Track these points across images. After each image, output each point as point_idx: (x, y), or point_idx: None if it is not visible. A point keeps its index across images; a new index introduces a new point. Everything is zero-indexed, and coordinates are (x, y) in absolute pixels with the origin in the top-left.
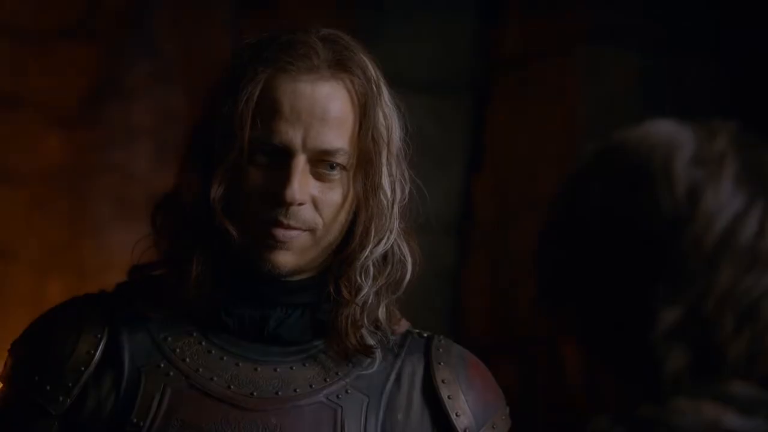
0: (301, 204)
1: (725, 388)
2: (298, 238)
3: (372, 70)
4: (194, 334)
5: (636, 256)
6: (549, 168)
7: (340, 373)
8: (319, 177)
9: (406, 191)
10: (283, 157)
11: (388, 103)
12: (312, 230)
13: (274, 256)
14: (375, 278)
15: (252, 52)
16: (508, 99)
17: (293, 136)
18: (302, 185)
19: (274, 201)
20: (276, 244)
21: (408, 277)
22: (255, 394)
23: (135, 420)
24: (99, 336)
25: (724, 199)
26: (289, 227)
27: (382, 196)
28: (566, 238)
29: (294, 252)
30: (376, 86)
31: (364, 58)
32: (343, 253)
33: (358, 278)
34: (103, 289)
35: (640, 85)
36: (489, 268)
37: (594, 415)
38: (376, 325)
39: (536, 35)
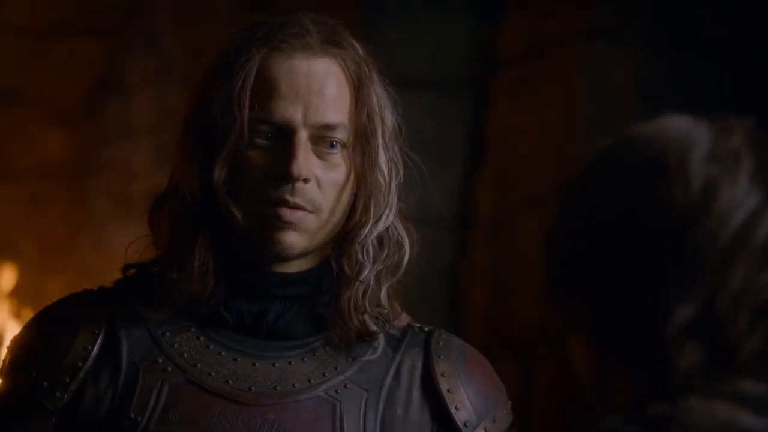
0: (306, 180)
1: (738, 387)
2: (304, 219)
3: (361, 51)
4: (192, 330)
5: (649, 252)
6: (549, 166)
7: (338, 368)
8: (320, 156)
9: (401, 172)
10: (284, 135)
11: (380, 85)
12: (317, 212)
13: (282, 237)
14: (374, 260)
15: (244, 36)
16: (508, 96)
17: (293, 112)
18: (306, 160)
19: (279, 180)
20: (283, 225)
21: (406, 259)
22: (253, 389)
23: (133, 415)
24: (96, 332)
25: (739, 197)
26: (295, 206)
27: (379, 175)
28: (578, 231)
29: (301, 233)
30: (367, 66)
31: (353, 41)
32: (343, 230)
33: (360, 256)
34: (102, 285)
35: (640, 82)
36: (489, 266)
37: (604, 413)
38: (378, 316)
39: (536, 32)
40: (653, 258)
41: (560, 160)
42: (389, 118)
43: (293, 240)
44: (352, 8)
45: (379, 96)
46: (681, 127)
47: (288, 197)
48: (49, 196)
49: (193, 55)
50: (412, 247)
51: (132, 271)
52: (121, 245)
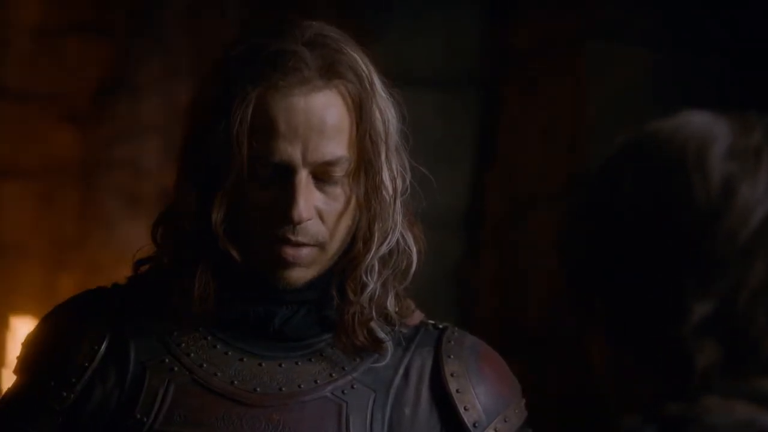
0: (308, 220)
1: (757, 387)
2: (308, 255)
3: (363, 67)
4: (200, 329)
5: (668, 249)
6: (558, 164)
7: (346, 368)
8: (322, 188)
9: (407, 181)
10: (285, 173)
11: (383, 96)
12: (320, 245)
13: (286, 274)
14: (380, 272)
15: (238, 67)
16: (517, 95)
17: (293, 152)
18: (307, 201)
19: (280, 219)
20: (287, 265)
21: (414, 266)
22: (258, 389)
23: (138, 416)
24: (104, 331)
25: (760, 194)
26: (297, 244)
27: (384, 193)
28: (595, 228)
29: (305, 267)
30: (369, 83)
31: (354, 55)
32: (347, 255)
33: (364, 277)
34: (115, 283)
35: (649, 81)
36: (499, 266)
37: (619, 412)
38: (387, 317)
39: (546, 31)
40: (672, 255)
41: (570, 159)
42: (393, 129)
43: (299, 275)
44: (361, 5)
45: (382, 110)
46: (700, 123)
47: (290, 236)
48: (59, 194)
49: (202, 53)
50: (419, 254)
51: (144, 267)
52: (130, 242)
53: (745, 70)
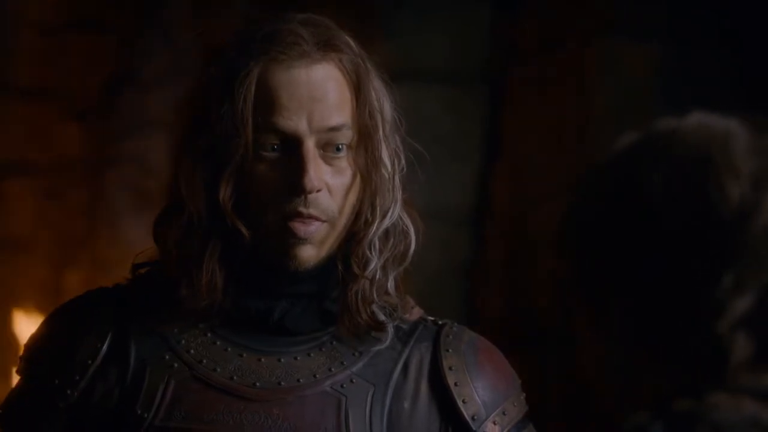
0: (318, 190)
1: (765, 382)
2: (317, 231)
3: (356, 47)
4: (200, 326)
5: (702, 246)
6: (566, 159)
7: (345, 363)
8: (328, 161)
9: (403, 162)
10: (292, 146)
11: (377, 77)
12: (330, 220)
13: (297, 251)
14: (380, 251)
15: (238, 48)
16: (525, 90)
17: (298, 122)
18: (316, 171)
19: (291, 192)
20: (297, 241)
21: (413, 246)
22: (258, 384)
23: (139, 411)
24: (107, 329)
25: None
26: (309, 217)
27: (383, 170)
28: (623, 228)
29: (315, 245)
30: (363, 61)
31: (346, 36)
32: (350, 231)
33: (368, 252)
34: (118, 282)
35: (658, 76)
36: (506, 261)
37: (623, 410)
38: (387, 301)
39: (554, 26)
40: (706, 252)
41: (577, 155)
42: (388, 110)
43: (309, 254)
44: (368, 3)
45: (377, 90)
46: (718, 121)
47: (302, 209)
48: (65, 191)
49: (209, 49)
50: (417, 234)
51: (142, 270)
52: (137, 239)
53: (752, 66)
